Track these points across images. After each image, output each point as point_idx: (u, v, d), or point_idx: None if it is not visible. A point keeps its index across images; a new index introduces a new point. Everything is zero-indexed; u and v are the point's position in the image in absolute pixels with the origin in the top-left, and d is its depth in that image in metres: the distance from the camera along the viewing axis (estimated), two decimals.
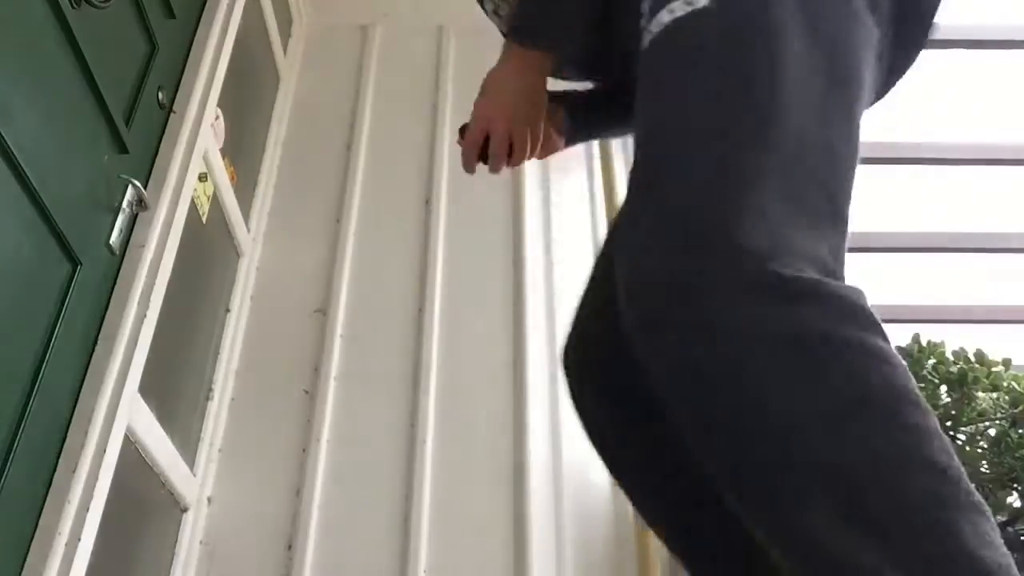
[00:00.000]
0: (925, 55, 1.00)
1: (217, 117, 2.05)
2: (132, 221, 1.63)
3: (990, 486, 1.82)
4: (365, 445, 2.10)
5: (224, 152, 2.12)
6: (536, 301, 2.35)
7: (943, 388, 1.88)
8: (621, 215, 0.88)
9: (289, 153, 2.65)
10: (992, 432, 1.87)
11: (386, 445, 2.10)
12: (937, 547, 0.56)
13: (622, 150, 3.04)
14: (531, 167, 2.58)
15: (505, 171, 1.16)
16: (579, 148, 2.92)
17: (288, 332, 2.29)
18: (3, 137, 1.26)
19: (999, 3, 3.06)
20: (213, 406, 2.08)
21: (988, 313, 3.95)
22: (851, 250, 0.74)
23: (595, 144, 2.84)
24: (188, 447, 1.95)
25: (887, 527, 0.56)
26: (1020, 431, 1.83)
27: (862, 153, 0.82)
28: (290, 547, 1.94)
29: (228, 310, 2.23)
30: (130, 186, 1.60)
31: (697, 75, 0.81)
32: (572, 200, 2.78)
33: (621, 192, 2.69)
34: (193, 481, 1.94)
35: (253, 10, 2.41)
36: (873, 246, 3.60)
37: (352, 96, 2.76)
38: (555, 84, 1.18)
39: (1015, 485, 1.86)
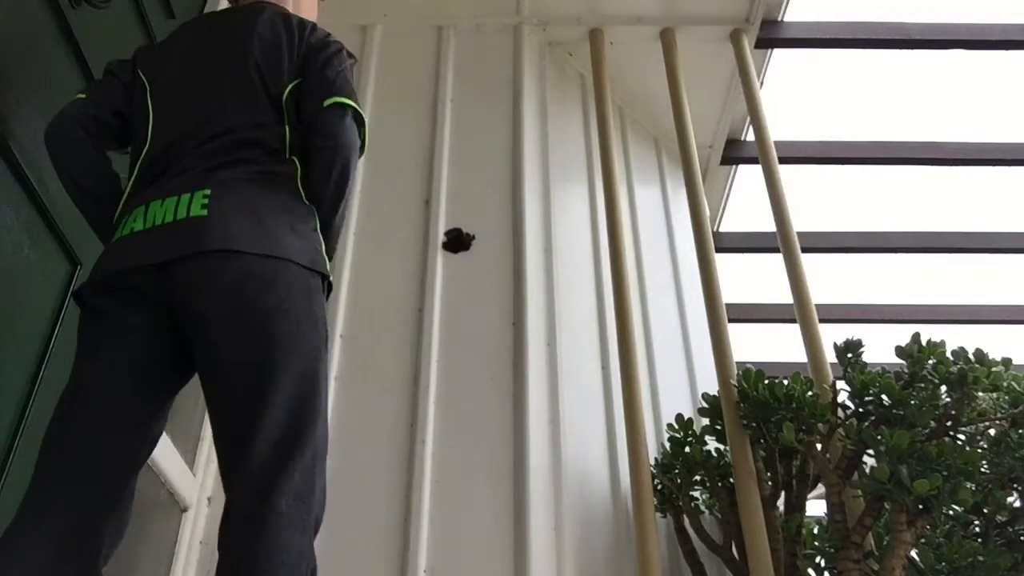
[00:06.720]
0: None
1: None
2: None
3: (990, 486, 1.82)
4: (365, 445, 2.10)
5: None
6: (536, 301, 2.35)
7: (943, 388, 1.87)
8: None
9: None
10: (992, 432, 1.87)
11: (386, 445, 2.09)
12: None
13: (622, 155, 3.04)
14: (530, 167, 2.57)
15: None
16: (580, 150, 2.93)
17: None
18: (3, 137, 1.26)
19: (999, 3, 3.06)
20: None
21: (988, 313, 3.96)
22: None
23: (595, 147, 2.84)
24: (188, 447, 1.95)
25: None
26: (1020, 431, 1.83)
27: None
28: None
29: None
30: None
31: None
32: (572, 201, 2.78)
33: (621, 195, 2.69)
34: (193, 481, 1.94)
35: None
36: (873, 246, 3.61)
37: None
38: None
39: (1015, 485, 1.86)
